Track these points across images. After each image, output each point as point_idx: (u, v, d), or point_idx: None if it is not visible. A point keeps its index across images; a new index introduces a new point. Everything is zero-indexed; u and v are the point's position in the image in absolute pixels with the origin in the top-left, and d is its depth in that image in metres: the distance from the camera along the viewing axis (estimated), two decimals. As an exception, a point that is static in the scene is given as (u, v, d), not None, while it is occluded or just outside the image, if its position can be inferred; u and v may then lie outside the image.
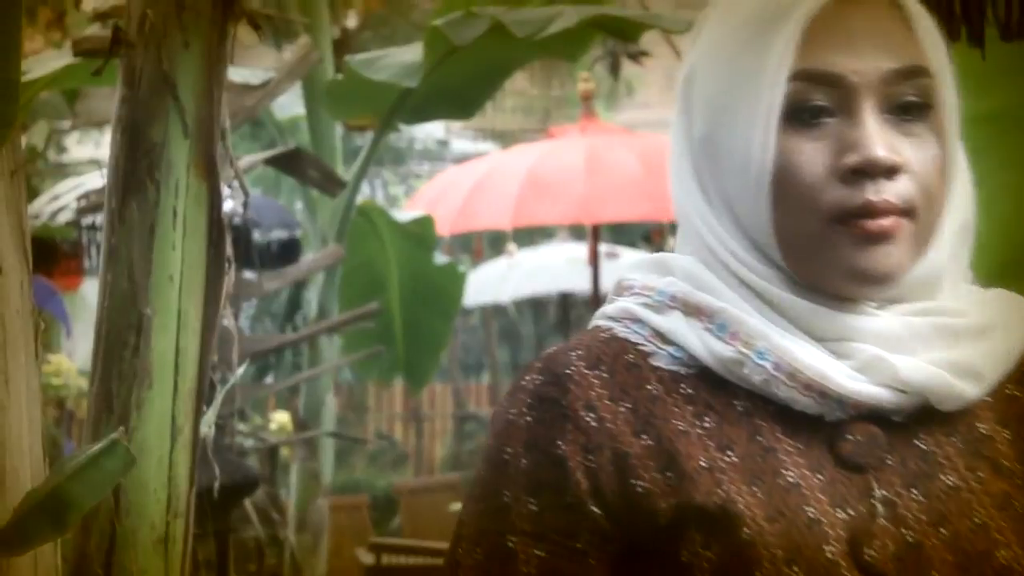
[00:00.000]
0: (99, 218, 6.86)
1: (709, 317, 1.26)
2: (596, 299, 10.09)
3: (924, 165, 1.23)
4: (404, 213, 8.35)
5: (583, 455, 1.22)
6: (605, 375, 1.26)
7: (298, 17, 6.68)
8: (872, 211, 1.21)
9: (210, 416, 2.77)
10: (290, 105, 7.51)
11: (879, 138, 1.22)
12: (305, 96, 6.99)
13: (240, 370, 3.49)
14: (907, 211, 1.22)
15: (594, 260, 9.89)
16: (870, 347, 1.24)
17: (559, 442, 1.23)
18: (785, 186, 1.23)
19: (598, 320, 1.33)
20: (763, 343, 1.23)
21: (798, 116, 1.23)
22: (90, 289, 9.35)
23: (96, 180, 7.23)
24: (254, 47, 7.63)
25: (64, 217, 7.32)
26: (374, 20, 10.68)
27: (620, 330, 1.30)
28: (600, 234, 10.08)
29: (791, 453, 1.23)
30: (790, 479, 1.22)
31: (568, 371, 1.26)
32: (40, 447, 2.24)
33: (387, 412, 14.06)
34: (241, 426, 5.42)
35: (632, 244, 13.18)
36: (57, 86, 5.66)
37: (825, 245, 1.23)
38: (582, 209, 8.51)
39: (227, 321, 3.32)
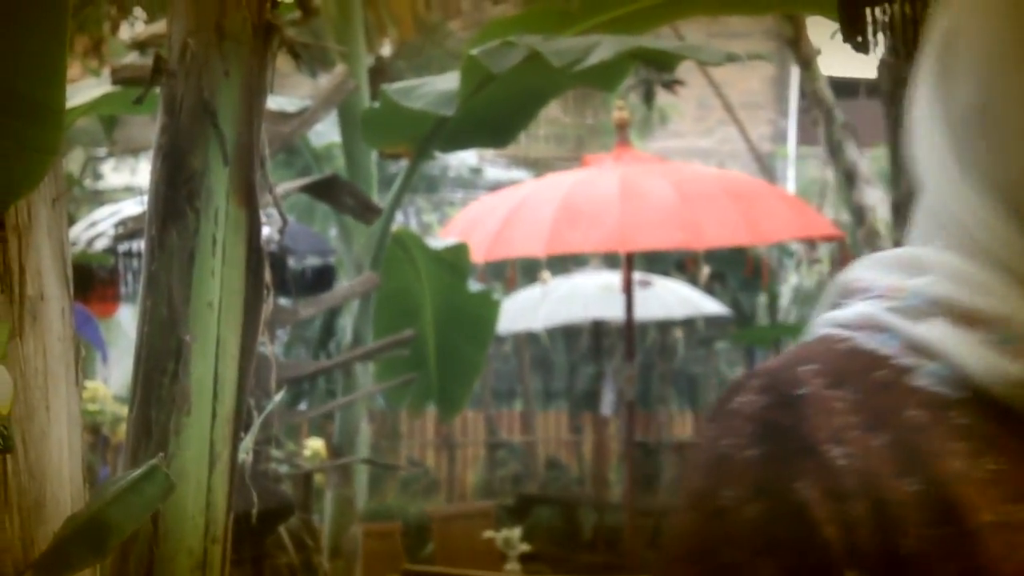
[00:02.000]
0: (135, 245, 6.90)
1: (988, 326, 0.96)
2: (630, 326, 10.10)
3: None
4: (438, 240, 8.36)
5: (832, 503, 0.93)
6: (852, 397, 0.96)
7: (334, 46, 6.70)
8: None
9: (247, 442, 2.78)
10: (326, 133, 7.54)
11: None
12: (341, 124, 7.01)
13: (277, 397, 3.50)
14: None
15: (627, 288, 9.90)
16: None
17: (798, 485, 0.93)
18: None
19: (825, 328, 1.02)
20: None
21: None
22: (126, 315, 9.40)
23: (132, 207, 7.29)
24: (290, 75, 7.67)
25: (101, 244, 7.36)
26: (409, 49, 10.72)
27: (863, 340, 0.99)
28: (634, 262, 10.09)
29: None
30: None
31: (803, 391, 0.96)
32: (80, 473, 2.25)
33: (419, 439, 14.06)
34: (275, 452, 5.42)
35: (665, 272, 13.19)
36: (95, 113, 5.72)
37: None
38: (616, 237, 8.53)
39: (264, 348, 3.34)
